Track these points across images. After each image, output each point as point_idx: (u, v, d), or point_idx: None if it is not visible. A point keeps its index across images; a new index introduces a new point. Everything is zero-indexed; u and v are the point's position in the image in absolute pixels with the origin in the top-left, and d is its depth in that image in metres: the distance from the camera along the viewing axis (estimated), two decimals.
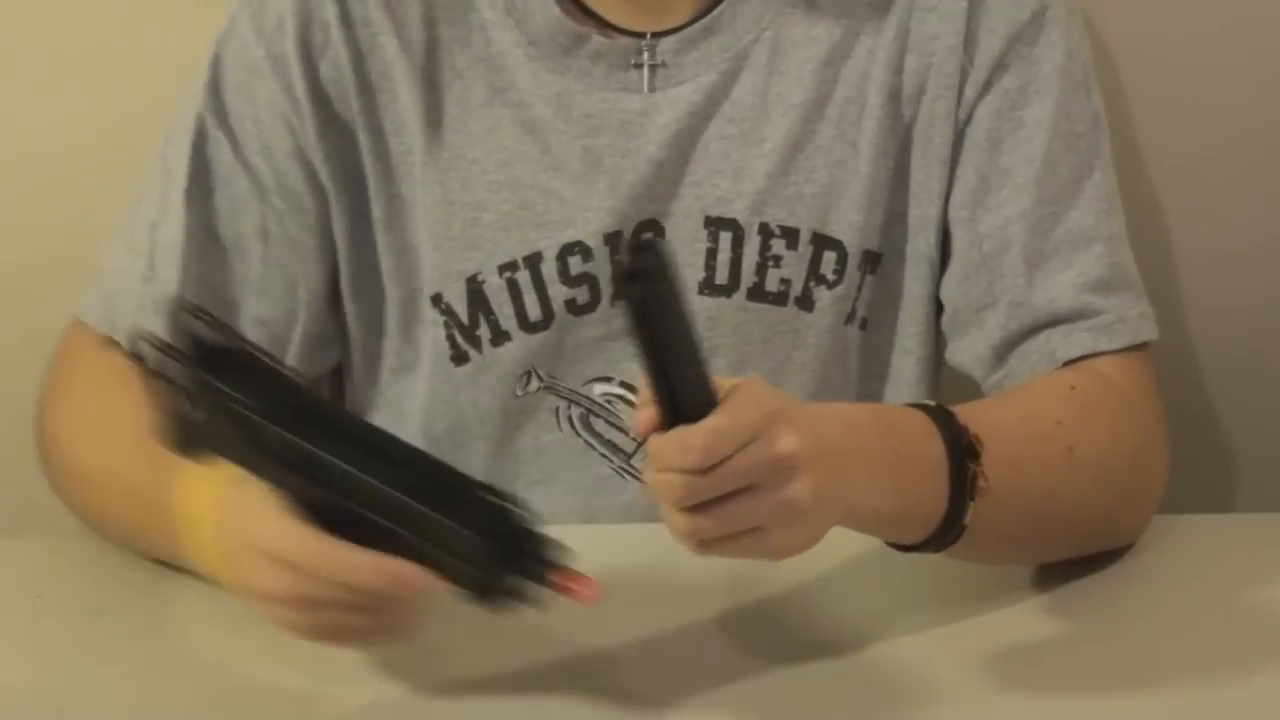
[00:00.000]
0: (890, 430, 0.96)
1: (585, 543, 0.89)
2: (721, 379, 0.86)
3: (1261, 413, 1.54)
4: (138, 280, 1.11)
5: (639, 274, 0.81)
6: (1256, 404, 1.54)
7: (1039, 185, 1.10)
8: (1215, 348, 1.51)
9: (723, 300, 1.12)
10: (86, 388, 1.10)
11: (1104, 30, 1.40)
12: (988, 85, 1.11)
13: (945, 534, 0.97)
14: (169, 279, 1.10)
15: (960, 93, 1.11)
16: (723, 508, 0.85)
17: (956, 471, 0.96)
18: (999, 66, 1.11)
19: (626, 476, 1.17)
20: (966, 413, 0.99)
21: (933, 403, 1.00)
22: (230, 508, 0.90)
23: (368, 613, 0.87)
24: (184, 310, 0.85)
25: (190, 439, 0.86)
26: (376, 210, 1.14)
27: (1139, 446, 1.08)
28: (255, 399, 0.84)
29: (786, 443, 0.85)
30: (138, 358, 0.98)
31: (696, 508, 0.85)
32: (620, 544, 1.09)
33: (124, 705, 0.99)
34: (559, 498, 1.17)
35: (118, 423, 1.02)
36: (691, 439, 0.83)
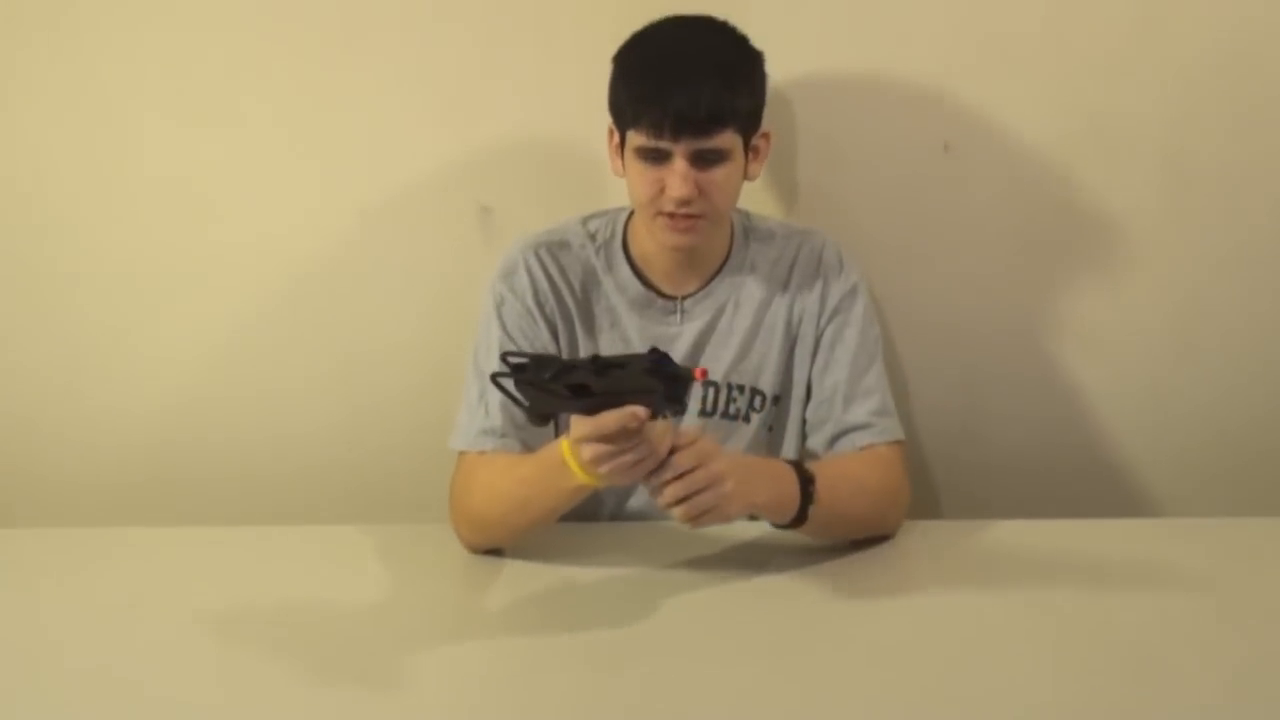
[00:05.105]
0: (771, 468, 1.97)
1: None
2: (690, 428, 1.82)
3: None
4: (480, 416, 2.08)
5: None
6: None
7: (851, 367, 2.16)
8: None
9: (708, 419, 2.18)
10: (486, 473, 2.02)
11: None
12: (829, 321, 2.19)
13: (798, 521, 1.95)
14: (494, 412, 2.07)
15: (818, 324, 2.19)
16: (689, 478, 1.80)
17: (803, 490, 1.94)
18: (835, 312, 2.19)
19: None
20: (810, 465, 1.98)
21: (793, 459, 2.02)
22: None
23: (634, 450, 1.75)
24: (509, 357, 1.73)
25: (535, 413, 1.72)
26: None
27: (895, 489, 2.10)
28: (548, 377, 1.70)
29: (721, 462, 1.82)
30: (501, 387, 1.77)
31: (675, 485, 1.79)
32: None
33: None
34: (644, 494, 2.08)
35: (507, 464, 2.01)
36: (681, 439, 1.81)
